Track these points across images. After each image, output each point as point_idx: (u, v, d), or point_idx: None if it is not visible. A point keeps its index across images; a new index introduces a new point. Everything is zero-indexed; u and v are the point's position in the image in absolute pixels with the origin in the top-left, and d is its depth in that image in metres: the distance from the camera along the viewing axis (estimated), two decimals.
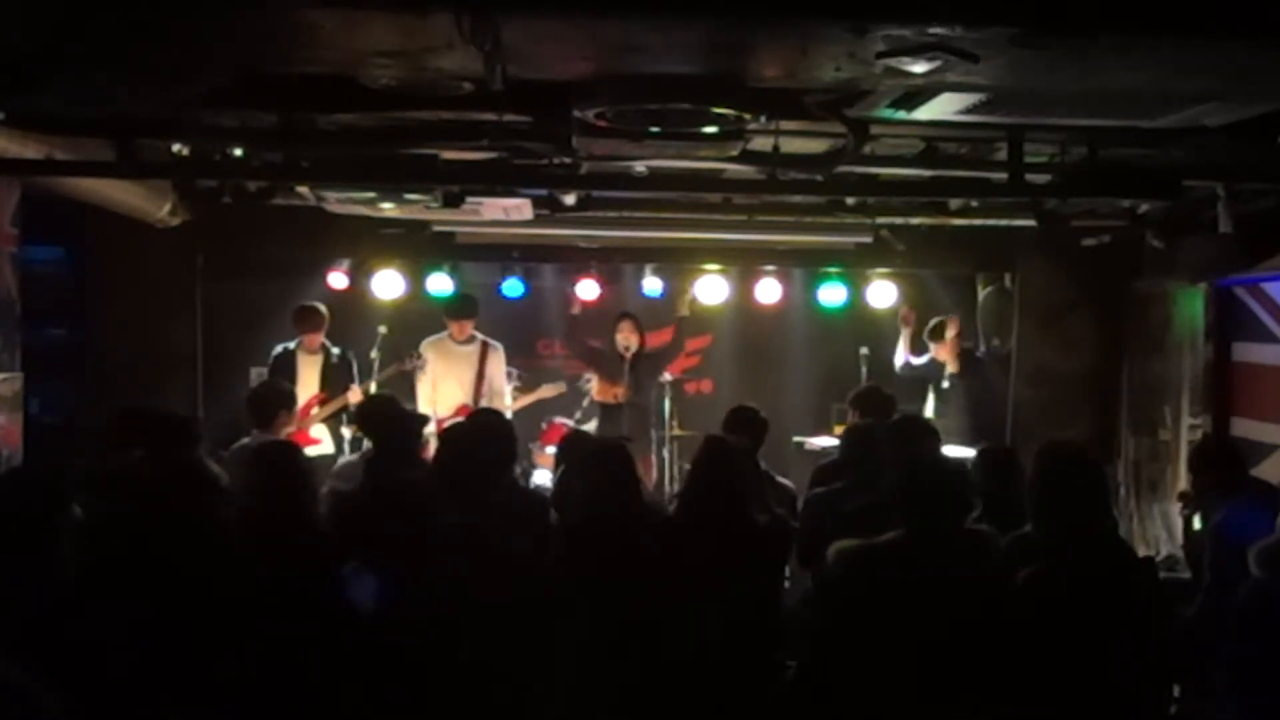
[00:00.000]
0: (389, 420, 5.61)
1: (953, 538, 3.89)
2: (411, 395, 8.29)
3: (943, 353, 8.84)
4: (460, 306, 8.61)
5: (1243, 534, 4.34)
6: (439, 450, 4.41)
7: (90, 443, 5.70)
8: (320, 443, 7.77)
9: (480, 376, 8.49)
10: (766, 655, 4.29)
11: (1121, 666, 3.75)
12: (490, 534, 3.89)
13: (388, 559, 3.86)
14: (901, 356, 9.05)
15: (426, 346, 8.51)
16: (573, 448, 5.24)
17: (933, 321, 9.05)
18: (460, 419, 8.21)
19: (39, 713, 2.45)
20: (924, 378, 8.97)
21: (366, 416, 6.16)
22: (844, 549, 3.96)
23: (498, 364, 8.62)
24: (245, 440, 6.20)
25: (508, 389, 8.73)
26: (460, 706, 3.70)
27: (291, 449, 4.64)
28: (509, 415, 8.25)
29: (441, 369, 8.48)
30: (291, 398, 6.55)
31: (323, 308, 8.23)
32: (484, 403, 8.46)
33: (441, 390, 8.48)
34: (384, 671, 3.67)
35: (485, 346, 8.57)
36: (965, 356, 8.84)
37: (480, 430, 4.72)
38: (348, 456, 6.34)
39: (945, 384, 8.83)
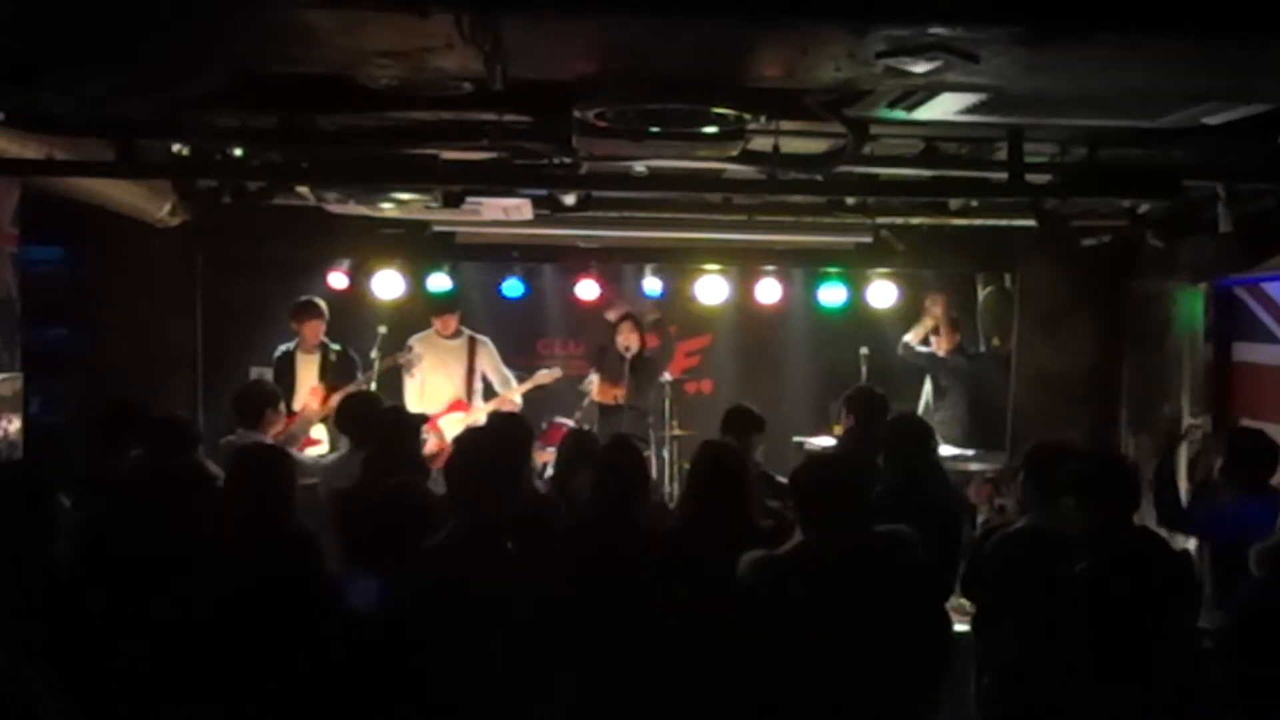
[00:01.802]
0: (381, 420, 5.62)
1: (858, 540, 3.83)
2: (400, 393, 8.34)
3: (945, 343, 8.87)
4: (442, 301, 8.66)
5: (1245, 527, 4.37)
6: (451, 455, 4.41)
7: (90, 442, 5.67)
8: (320, 443, 7.77)
9: (470, 370, 8.54)
10: None
11: (1150, 656, 3.79)
12: (497, 536, 3.88)
13: (389, 560, 3.85)
14: (909, 337, 9.08)
15: (415, 343, 8.55)
16: (579, 445, 5.28)
17: None
18: (458, 414, 8.32)
19: (40, 707, 2.45)
20: (922, 367, 9.00)
21: (349, 416, 6.14)
22: (752, 559, 3.93)
23: (490, 357, 8.68)
24: (230, 438, 6.24)
25: (510, 375, 8.75)
26: (461, 709, 3.69)
27: (271, 451, 4.65)
28: (518, 401, 8.36)
29: (431, 364, 8.53)
30: (277, 396, 6.57)
31: (320, 301, 8.24)
32: (477, 397, 8.53)
33: (432, 386, 8.52)
34: (383, 674, 3.67)
35: (473, 341, 8.64)
36: (960, 347, 8.90)
37: (489, 435, 4.73)
38: (335, 454, 6.32)
39: (944, 380, 8.85)
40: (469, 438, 4.59)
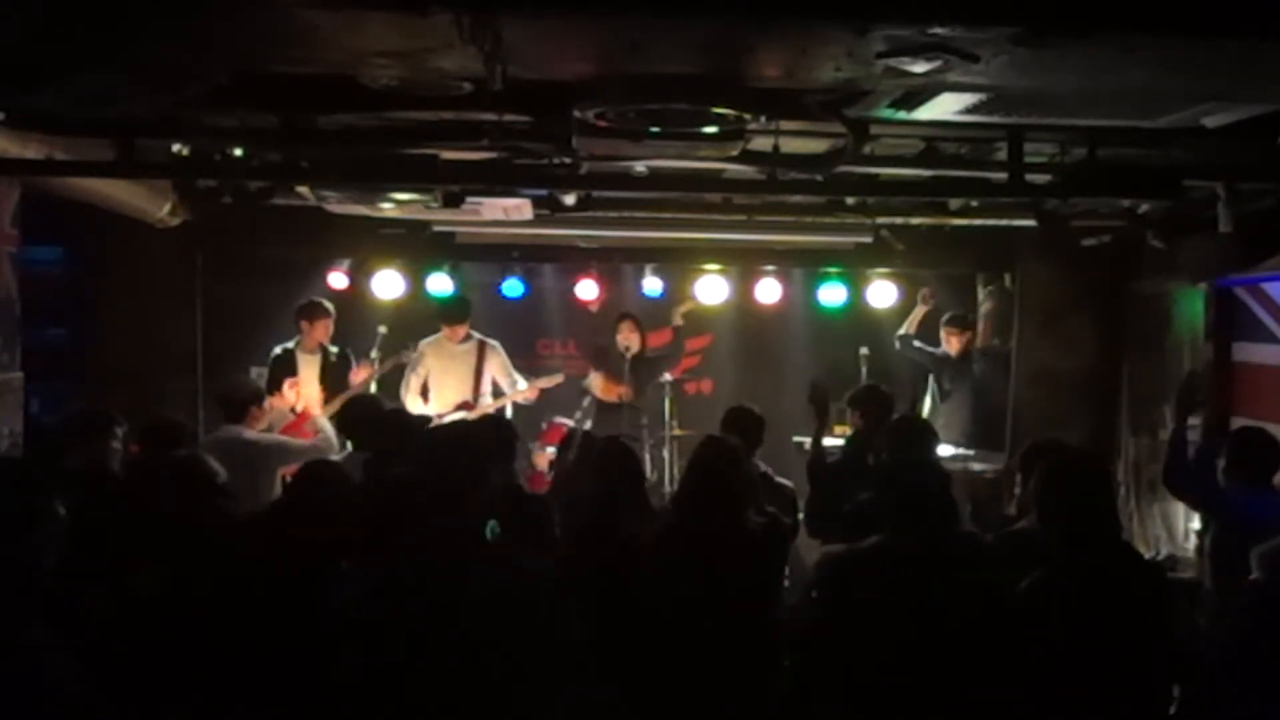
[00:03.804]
0: (382, 422, 5.62)
1: (940, 541, 3.85)
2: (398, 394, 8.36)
3: (956, 343, 8.83)
4: (453, 311, 8.67)
5: (1248, 522, 4.35)
6: (417, 455, 4.37)
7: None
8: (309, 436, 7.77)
9: (478, 374, 8.55)
10: (765, 657, 4.28)
11: (1124, 670, 3.75)
12: (480, 534, 3.86)
13: (383, 558, 3.84)
14: (905, 329, 9.05)
15: (424, 347, 8.58)
16: (579, 446, 5.26)
17: (950, 313, 9.04)
18: (463, 414, 8.32)
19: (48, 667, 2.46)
20: (924, 366, 8.99)
21: (352, 418, 6.14)
22: (830, 553, 3.94)
23: (498, 360, 8.68)
24: (215, 433, 6.30)
25: (519, 378, 8.76)
26: (459, 708, 3.68)
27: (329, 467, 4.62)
28: (524, 402, 8.45)
29: (440, 368, 8.56)
30: (260, 393, 6.63)
31: (328, 303, 8.27)
32: (484, 399, 8.53)
33: (441, 389, 8.55)
34: (379, 673, 3.66)
35: (483, 345, 8.64)
36: (976, 351, 8.90)
37: (453, 433, 4.67)
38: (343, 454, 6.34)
39: (947, 383, 8.83)
40: (430, 436, 4.48)
